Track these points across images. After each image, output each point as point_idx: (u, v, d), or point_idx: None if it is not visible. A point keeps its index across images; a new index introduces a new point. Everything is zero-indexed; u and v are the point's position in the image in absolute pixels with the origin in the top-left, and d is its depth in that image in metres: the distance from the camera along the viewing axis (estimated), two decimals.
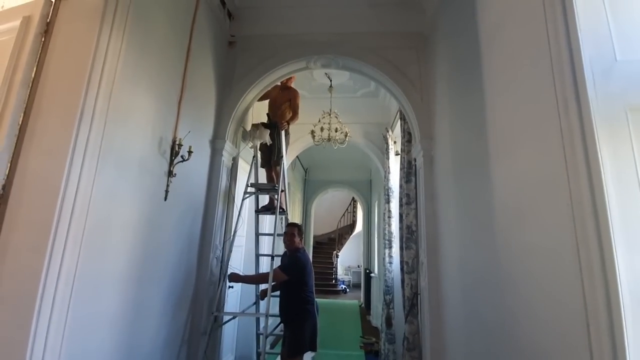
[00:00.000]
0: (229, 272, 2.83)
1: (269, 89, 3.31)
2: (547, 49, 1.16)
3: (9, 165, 1.33)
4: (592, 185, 0.95)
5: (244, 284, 3.39)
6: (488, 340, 1.63)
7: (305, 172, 8.97)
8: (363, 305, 8.29)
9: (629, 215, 0.90)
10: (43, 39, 1.47)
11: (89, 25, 1.48)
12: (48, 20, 1.49)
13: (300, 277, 2.72)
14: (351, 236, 12.90)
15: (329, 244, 12.77)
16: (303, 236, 3.11)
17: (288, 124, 3.43)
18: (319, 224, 12.39)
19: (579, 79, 1.02)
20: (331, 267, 11.44)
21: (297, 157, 6.33)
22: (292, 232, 2.83)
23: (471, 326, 1.86)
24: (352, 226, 13.22)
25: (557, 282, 1.10)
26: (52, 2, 1.51)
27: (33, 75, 1.42)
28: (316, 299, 2.95)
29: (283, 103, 3.42)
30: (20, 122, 1.38)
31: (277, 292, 2.83)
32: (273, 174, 3.30)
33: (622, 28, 1.03)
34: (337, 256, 11.62)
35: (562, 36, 1.09)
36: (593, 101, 0.98)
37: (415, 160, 2.96)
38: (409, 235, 2.94)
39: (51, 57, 1.45)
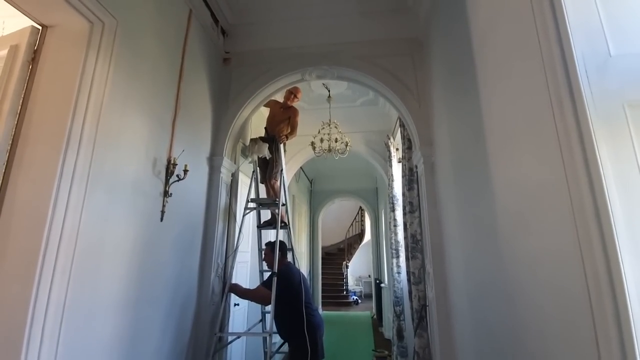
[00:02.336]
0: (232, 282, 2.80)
1: (271, 98, 3.33)
2: (538, 48, 1.11)
3: None
4: (592, 187, 0.88)
5: (250, 302, 3.33)
6: (498, 351, 1.55)
7: (311, 183, 8.93)
8: (375, 316, 8.12)
9: (634, 216, 0.83)
10: (30, 67, 1.48)
11: (74, 52, 1.49)
12: (35, 49, 1.50)
13: (287, 291, 2.66)
14: (360, 246, 12.76)
15: (339, 254, 12.62)
16: (287, 252, 3.08)
17: (287, 137, 3.42)
18: (328, 234, 12.30)
19: (572, 77, 0.97)
20: (341, 278, 11.25)
21: (301, 168, 6.31)
22: (267, 252, 2.99)
23: (480, 337, 1.78)
24: (361, 235, 13.08)
25: (564, 291, 1.03)
26: (39, 30, 1.52)
27: (21, 104, 1.43)
28: (320, 312, 2.89)
29: (282, 121, 3.43)
30: (8, 151, 1.38)
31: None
32: (270, 188, 3.27)
33: (614, 21, 0.98)
34: (347, 267, 11.44)
35: (552, 33, 1.04)
36: (588, 99, 0.93)
37: (416, 167, 2.90)
38: (414, 245, 2.86)
39: (38, 85, 1.45)
